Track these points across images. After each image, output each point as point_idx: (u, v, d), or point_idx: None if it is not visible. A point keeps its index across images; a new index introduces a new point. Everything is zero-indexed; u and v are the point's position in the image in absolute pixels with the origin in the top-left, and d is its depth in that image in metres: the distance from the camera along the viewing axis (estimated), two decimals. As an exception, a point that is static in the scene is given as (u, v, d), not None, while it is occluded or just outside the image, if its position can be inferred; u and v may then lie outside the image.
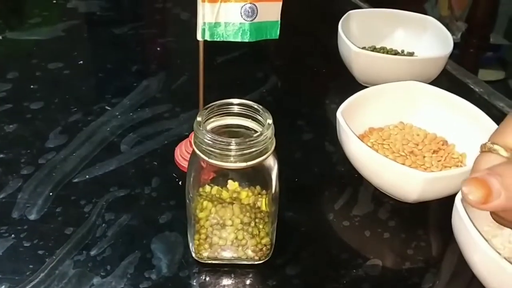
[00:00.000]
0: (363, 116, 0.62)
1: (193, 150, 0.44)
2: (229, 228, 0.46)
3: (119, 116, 0.67)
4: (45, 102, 0.69)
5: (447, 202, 0.50)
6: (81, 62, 0.79)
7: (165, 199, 0.55)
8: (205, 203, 0.46)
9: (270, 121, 0.43)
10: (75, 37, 0.86)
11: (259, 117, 0.45)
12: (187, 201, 0.46)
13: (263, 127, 0.43)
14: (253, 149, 0.42)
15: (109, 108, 0.68)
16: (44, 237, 0.50)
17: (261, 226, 0.47)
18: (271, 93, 0.74)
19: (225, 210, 0.46)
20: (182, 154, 0.60)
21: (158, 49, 0.85)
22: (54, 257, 0.48)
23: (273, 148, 0.44)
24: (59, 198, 0.55)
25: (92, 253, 0.49)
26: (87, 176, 0.58)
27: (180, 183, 0.58)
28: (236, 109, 0.46)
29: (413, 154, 0.59)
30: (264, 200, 0.46)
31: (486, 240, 0.44)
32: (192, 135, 0.61)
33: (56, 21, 0.89)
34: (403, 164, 0.55)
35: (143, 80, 0.74)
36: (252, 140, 0.42)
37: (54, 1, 0.95)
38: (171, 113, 0.68)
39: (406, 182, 0.52)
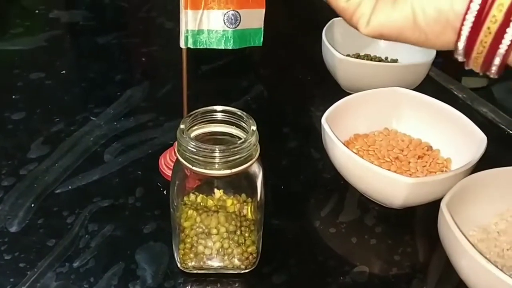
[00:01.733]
0: (348, 122, 0.62)
1: (177, 158, 0.43)
2: (215, 237, 0.46)
3: (102, 126, 0.66)
4: (26, 113, 0.68)
5: (432, 207, 0.50)
6: (64, 72, 0.78)
7: (149, 209, 0.55)
8: (189, 212, 0.45)
9: (254, 127, 0.43)
10: (58, 47, 0.85)
11: (243, 124, 0.44)
12: (172, 210, 0.45)
13: (247, 134, 0.43)
14: (238, 156, 0.42)
15: (92, 118, 0.68)
16: (25, 250, 0.49)
17: (247, 234, 0.46)
18: (256, 101, 0.74)
19: (210, 219, 0.45)
20: (166, 163, 0.59)
21: (143, 59, 0.84)
22: (35, 269, 0.47)
23: (257, 155, 0.44)
24: (41, 209, 0.54)
25: (75, 265, 0.48)
26: (69, 187, 0.57)
27: (164, 192, 0.57)
28: (219, 116, 0.46)
29: (398, 160, 0.60)
30: (249, 207, 0.46)
31: (473, 245, 0.44)
32: (176, 143, 0.61)
33: (38, 31, 0.88)
34: (389, 170, 0.54)
35: (127, 89, 0.74)
36: (237, 147, 0.41)
37: (37, 11, 0.94)
38: (155, 122, 0.68)
39: (392, 187, 0.52)
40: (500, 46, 0.26)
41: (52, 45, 0.85)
